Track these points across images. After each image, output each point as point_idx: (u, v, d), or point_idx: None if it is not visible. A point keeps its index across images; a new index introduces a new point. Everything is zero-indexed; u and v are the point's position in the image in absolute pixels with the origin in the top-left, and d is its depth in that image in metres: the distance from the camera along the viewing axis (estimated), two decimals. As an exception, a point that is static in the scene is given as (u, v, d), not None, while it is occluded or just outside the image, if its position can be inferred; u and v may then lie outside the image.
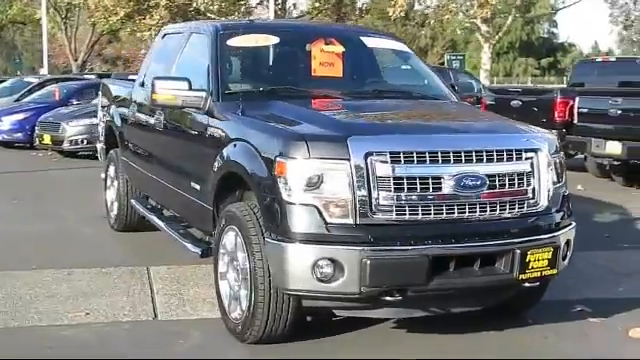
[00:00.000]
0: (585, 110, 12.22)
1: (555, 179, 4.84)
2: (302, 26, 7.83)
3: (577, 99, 12.36)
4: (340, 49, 5.90)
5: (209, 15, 31.60)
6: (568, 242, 4.86)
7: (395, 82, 6.47)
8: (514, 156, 4.65)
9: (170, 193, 6.28)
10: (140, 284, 6.10)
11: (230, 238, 4.92)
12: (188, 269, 6.50)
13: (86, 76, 25.70)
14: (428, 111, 5.43)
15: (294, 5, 37.18)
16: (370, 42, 6.30)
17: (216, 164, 5.12)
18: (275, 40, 5.80)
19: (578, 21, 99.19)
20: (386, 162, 4.33)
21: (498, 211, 4.57)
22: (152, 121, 6.48)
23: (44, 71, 33.63)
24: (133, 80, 8.03)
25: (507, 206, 4.60)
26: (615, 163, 11.89)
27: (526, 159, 4.69)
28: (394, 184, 4.33)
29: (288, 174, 4.34)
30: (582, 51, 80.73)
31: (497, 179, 4.56)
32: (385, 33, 7.57)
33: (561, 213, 4.86)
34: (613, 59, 16.11)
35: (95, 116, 15.54)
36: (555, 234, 4.73)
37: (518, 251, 4.49)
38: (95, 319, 5.28)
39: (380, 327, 5.10)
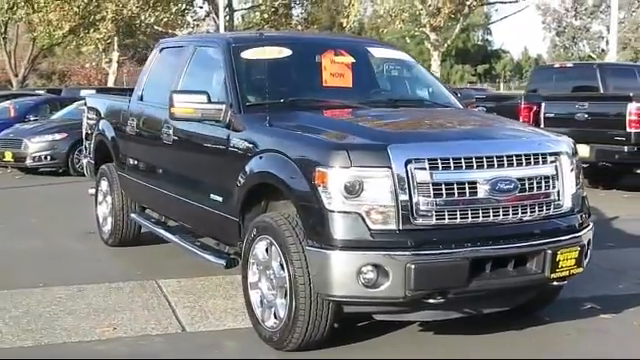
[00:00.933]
0: (552, 115, 12.57)
1: (575, 181, 5.04)
2: (311, 38, 7.89)
3: (543, 104, 12.71)
4: (350, 60, 6.02)
5: (156, 28, 31.46)
6: (589, 241, 5.06)
7: (404, 91, 6.62)
8: (540, 160, 4.83)
9: (181, 205, 6.29)
10: (155, 298, 6.11)
11: (261, 247, 4.98)
12: (198, 281, 6.54)
13: (37, 92, 25.29)
14: (450, 118, 5.59)
15: (242, 17, 37.23)
16: (376, 52, 6.44)
17: (243, 175, 5.18)
18: (288, 52, 5.89)
19: (511, 28, 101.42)
20: (424, 168, 4.46)
21: (528, 213, 4.74)
22: (159, 135, 6.48)
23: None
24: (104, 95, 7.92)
25: (536, 208, 4.78)
26: (583, 166, 12.21)
27: (551, 162, 4.89)
28: (433, 189, 4.47)
29: (330, 183, 4.43)
30: (513, 57, 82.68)
31: (527, 182, 4.74)
32: (388, 44, 7.71)
33: (582, 214, 5.07)
34: (570, 65, 16.55)
35: (58, 132, 15.58)
36: (580, 234, 4.92)
37: (549, 251, 4.67)
38: (125, 333, 5.27)
39: (408, 329, 5.23)
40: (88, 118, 8.69)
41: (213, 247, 6.11)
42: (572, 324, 5.50)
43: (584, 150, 11.79)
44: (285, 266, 4.69)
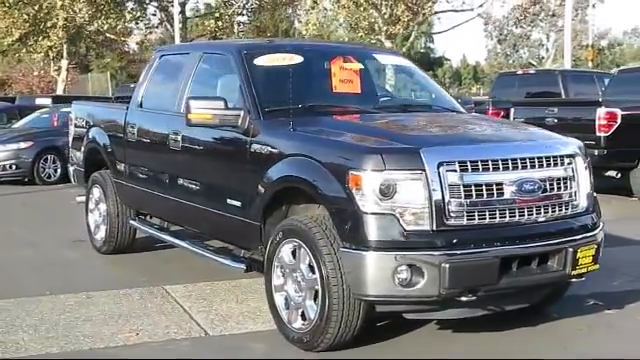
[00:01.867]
0: (521, 120, 12.86)
1: (589, 182, 5.25)
2: (320, 45, 7.98)
3: (512, 109, 13.03)
4: (358, 66, 6.15)
5: (108, 35, 31.16)
6: (602, 240, 5.27)
7: (411, 96, 6.78)
8: (559, 161, 5.04)
9: (191, 211, 6.32)
10: (167, 303, 6.13)
11: (287, 250, 5.06)
12: (204, 286, 6.58)
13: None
14: (468, 122, 5.76)
15: (196, 25, 37.08)
16: (382, 59, 6.59)
17: (266, 180, 5.26)
18: (299, 59, 5.98)
19: (452, 36, 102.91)
20: (455, 171, 4.61)
21: (550, 213, 4.94)
22: (165, 141, 6.50)
23: None
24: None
25: (557, 208, 4.98)
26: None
27: (568, 164, 5.10)
28: (464, 191, 4.62)
29: (364, 186, 4.54)
30: (452, 65, 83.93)
31: (548, 183, 4.93)
32: (393, 51, 7.87)
33: (595, 213, 5.29)
34: (533, 71, 16.99)
35: (23, 141, 15.39)
36: (595, 232, 5.15)
37: (570, 249, 4.87)
38: (149, 339, 5.29)
39: (425, 328, 5.38)
40: (76, 126, 8.63)
41: (228, 251, 6.16)
42: (581, 320, 5.71)
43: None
44: (316, 268, 4.78)
